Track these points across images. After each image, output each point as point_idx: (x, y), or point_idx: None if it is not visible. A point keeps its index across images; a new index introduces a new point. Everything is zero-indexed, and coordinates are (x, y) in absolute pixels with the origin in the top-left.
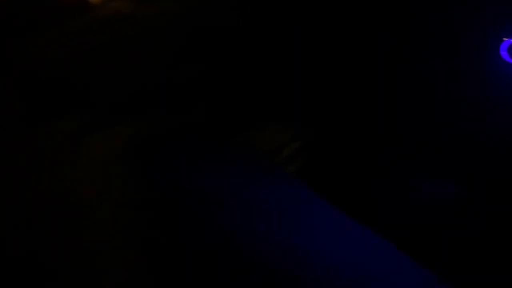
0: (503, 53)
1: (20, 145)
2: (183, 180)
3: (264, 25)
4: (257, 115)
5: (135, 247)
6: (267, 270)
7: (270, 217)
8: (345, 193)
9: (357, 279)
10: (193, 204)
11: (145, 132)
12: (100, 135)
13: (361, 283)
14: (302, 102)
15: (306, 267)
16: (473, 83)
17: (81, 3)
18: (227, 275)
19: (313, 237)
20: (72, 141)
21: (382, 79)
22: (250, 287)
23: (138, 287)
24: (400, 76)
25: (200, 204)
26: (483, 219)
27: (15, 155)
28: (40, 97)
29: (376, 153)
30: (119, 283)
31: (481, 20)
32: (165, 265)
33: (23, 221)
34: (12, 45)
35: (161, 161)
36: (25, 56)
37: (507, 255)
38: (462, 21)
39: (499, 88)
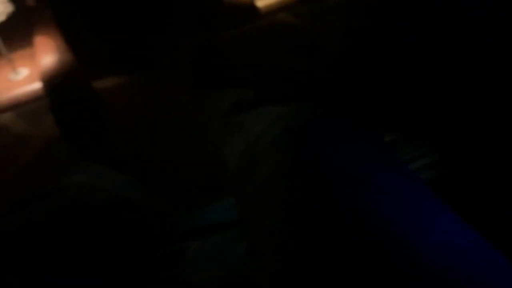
0: None
1: (187, 108)
2: (327, 157)
3: (411, 45)
4: (400, 126)
5: (282, 206)
6: (397, 249)
7: (401, 202)
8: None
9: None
10: (335, 179)
11: (294, 114)
12: (253, 111)
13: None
14: (445, 120)
15: (430, 256)
16: None
17: (253, 11)
18: (360, 243)
19: (438, 231)
20: (228, 114)
21: None
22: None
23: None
24: None
25: (341, 181)
26: None
27: (182, 117)
28: (209, 77)
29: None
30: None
31: None
32: (309, 228)
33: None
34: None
35: (309, 139)
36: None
37: None
38: None
39: None
